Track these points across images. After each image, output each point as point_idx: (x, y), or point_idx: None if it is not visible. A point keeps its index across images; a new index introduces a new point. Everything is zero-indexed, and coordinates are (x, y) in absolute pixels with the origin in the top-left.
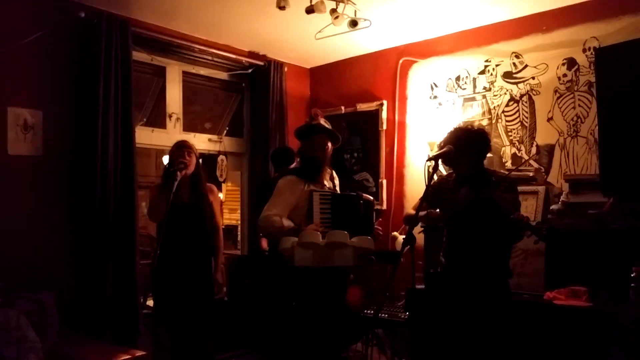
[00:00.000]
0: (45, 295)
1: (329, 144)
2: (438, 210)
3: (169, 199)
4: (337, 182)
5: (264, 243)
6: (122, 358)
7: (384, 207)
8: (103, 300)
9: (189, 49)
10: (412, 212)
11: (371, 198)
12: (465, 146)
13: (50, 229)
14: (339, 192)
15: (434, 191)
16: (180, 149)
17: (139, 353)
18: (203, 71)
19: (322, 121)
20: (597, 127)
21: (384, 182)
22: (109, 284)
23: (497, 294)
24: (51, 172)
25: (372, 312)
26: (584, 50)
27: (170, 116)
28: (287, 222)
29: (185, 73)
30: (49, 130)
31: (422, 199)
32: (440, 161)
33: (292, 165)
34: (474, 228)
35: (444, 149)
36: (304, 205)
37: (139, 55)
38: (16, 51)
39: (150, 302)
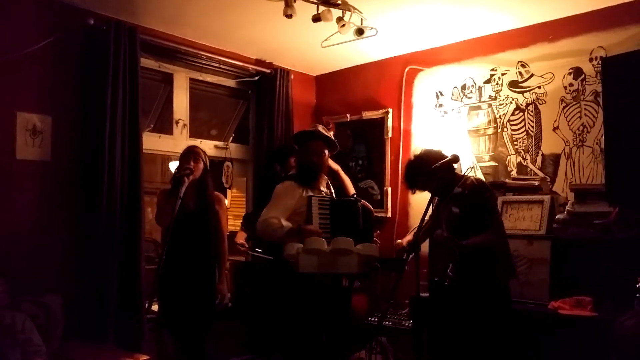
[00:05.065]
0: (51, 298)
1: (326, 151)
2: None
3: (175, 204)
4: (344, 180)
5: (241, 237)
6: None
7: (389, 215)
8: (108, 305)
9: (196, 56)
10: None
11: (369, 205)
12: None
13: (56, 233)
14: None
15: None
16: (187, 155)
17: (143, 358)
18: (210, 78)
19: (320, 128)
20: (603, 137)
21: (389, 190)
22: (114, 289)
23: (498, 299)
24: (59, 177)
25: (376, 319)
26: (591, 60)
27: (177, 122)
28: (286, 223)
29: (192, 80)
30: (57, 136)
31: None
32: None
33: (291, 171)
34: None
35: (450, 157)
36: (302, 210)
37: (146, 62)
38: (26, 57)
39: (155, 307)
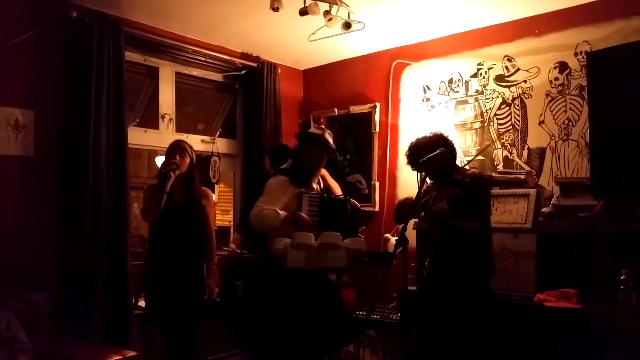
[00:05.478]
0: (36, 295)
1: (325, 159)
2: (424, 214)
3: (161, 199)
4: (329, 184)
5: (235, 241)
6: (113, 358)
7: (377, 209)
8: (94, 301)
9: (181, 50)
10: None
11: (358, 204)
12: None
13: (41, 229)
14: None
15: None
16: (173, 150)
17: (130, 354)
18: (196, 72)
19: (327, 134)
20: (588, 131)
21: (377, 184)
22: (100, 285)
23: (476, 294)
24: (42, 172)
25: (364, 313)
26: (576, 54)
27: (163, 117)
28: (282, 212)
29: (178, 74)
30: (40, 130)
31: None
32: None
33: (284, 165)
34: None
35: (437, 152)
36: (293, 206)
37: (131, 56)
38: (7, 50)
39: (142, 303)
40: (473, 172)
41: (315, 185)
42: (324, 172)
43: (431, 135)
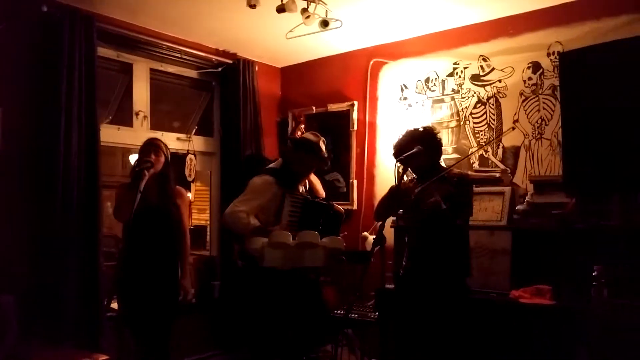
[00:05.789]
0: (4, 298)
1: (315, 167)
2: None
3: (135, 198)
4: (312, 183)
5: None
6: None
7: (355, 207)
8: (65, 303)
9: (156, 46)
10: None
11: (342, 210)
12: (422, 145)
13: (9, 229)
14: (310, 197)
15: (400, 192)
16: (147, 148)
17: (102, 357)
18: (171, 69)
19: (322, 142)
20: (560, 130)
21: (355, 182)
22: (71, 286)
23: (453, 292)
24: (10, 170)
25: (342, 312)
26: (549, 55)
27: (137, 114)
28: (253, 221)
29: (152, 70)
30: (8, 128)
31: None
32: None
33: (272, 165)
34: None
35: (414, 150)
36: (273, 205)
37: (104, 52)
38: None
39: (114, 305)
40: (459, 172)
41: (301, 188)
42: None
43: (421, 130)
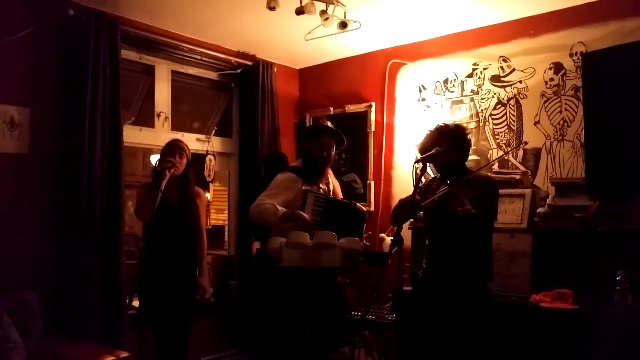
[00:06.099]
0: (30, 294)
1: (334, 146)
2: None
3: (156, 198)
4: (333, 186)
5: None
6: (106, 359)
7: (372, 208)
8: (88, 300)
9: (177, 48)
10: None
11: (364, 210)
12: (448, 143)
13: (35, 228)
14: (332, 196)
15: (421, 193)
16: (171, 149)
17: (123, 354)
18: (192, 70)
19: (328, 123)
20: (583, 131)
21: (372, 183)
22: (94, 284)
23: (475, 296)
24: (37, 170)
25: (359, 313)
26: (571, 55)
27: (158, 115)
28: (280, 208)
29: (174, 72)
30: (36, 128)
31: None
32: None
33: (294, 164)
34: (441, 223)
35: (433, 151)
36: (297, 204)
37: (127, 54)
38: (4, 48)
39: (136, 303)
40: (486, 176)
41: (323, 186)
42: (330, 173)
43: (452, 127)
